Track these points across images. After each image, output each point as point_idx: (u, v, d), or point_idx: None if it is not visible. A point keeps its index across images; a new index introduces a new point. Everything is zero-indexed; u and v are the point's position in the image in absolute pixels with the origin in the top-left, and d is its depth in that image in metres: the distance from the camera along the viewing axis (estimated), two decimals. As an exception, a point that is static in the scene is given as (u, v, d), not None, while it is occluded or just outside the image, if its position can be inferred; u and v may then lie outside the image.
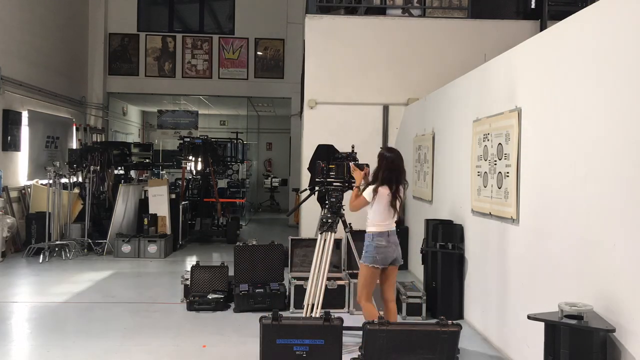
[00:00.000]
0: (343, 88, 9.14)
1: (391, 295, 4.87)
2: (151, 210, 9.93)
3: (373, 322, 3.90)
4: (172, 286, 7.34)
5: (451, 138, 6.66)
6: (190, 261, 8.99)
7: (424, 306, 6.02)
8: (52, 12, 12.17)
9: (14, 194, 10.08)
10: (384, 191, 4.64)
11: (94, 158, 10.25)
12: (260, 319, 3.99)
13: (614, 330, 3.19)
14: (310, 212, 8.25)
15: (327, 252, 5.07)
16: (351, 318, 5.85)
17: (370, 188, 4.66)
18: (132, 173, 13.15)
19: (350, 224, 5.40)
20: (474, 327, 5.64)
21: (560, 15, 6.55)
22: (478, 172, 5.58)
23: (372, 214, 4.70)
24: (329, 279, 5.63)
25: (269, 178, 18.28)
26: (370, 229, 4.71)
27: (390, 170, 4.67)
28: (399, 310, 6.03)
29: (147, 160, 13.14)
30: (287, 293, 6.35)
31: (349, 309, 6.19)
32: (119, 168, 11.88)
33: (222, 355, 4.92)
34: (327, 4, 9.49)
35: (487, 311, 5.31)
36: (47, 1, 11.89)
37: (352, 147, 5.30)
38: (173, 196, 10.52)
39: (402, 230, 8.41)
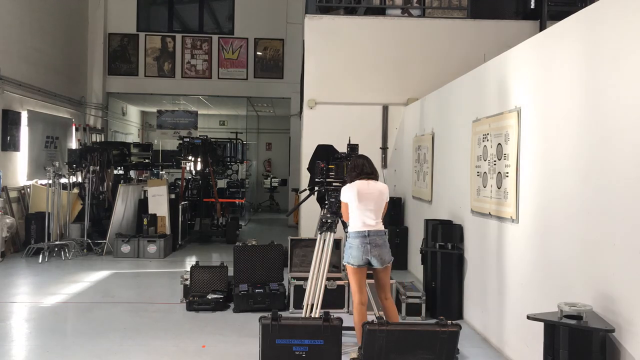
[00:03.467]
0: (342, 88, 9.14)
1: (385, 294, 4.88)
2: (150, 211, 9.93)
3: (372, 322, 3.90)
4: (171, 286, 7.34)
5: (451, 138, 6.66)
6: (190, 261, 8.99)
7: (423, 306, 6.03)
8: (52, 12, 12.16)
9: (13, 194, 10.07)
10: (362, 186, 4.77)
11: (93, 158, 10.25)
12: (260, 319, 3.99)
13: (613, 331, 3.19)
14: (310, 212, 8.25)
15: (326, 252, 5.07)
16: (350, 318, 5.84)
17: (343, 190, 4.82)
18: (132, 173, 13.15)
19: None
20: (474, 327, 5.64)
21: (559, 15, 6.55)
22: (477, 172, 5.59)
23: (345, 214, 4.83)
24: (328, 279, 5.64)
25: (269, 178, 18.28)
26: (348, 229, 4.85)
27: (352, 169, 4.86)
28: (399, 311, 6.04)
29: (147, 161, 13.13)
30: (287, 293, 6.35)
31: (348, 309, 6.18)
32: (119, 168, 11.87)
33: (221, 355, 4.92)
34: (327, 4, 9.49)
35: (487, 311, 5.31)
36: (46, 1, 11.88)
37: (349, 140, 5.31)
38: (172, 196, 10.52)
39: (401, 230, 8.43)
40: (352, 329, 5.06)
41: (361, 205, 4.68)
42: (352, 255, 4.67)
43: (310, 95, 9.16)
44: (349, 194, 4.73)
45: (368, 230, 4.65)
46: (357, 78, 9.13)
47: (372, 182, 4.77)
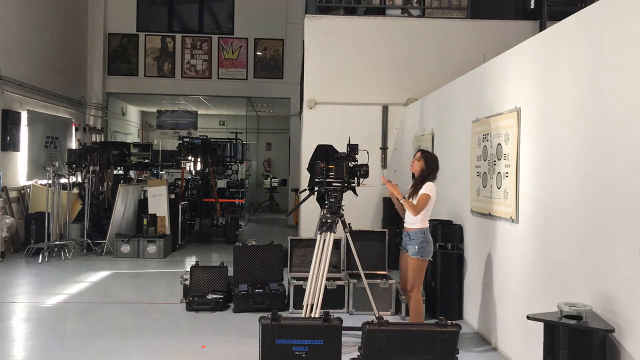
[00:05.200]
0: (342, 88, 9.14)
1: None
2: (150, 211, 9.93)
3: (372, 322, 3.90)
4: (171, 286, 7.34)
5: (450, 138, 6.66)
6: (190, 261, 8.99)
7: (423, 306, 6.01)
8: (52, 12, 12.16)
9: (13, 194, 10.07)
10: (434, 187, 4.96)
11: (93, 158, 10.24)
12: (260, 319, 3.98)
13: (613, 331, 3.19)
14: (310, 212, 8.25)
15: (326, 252, 5.07)
16: (350, 318, 5.86)
17: (431, 185, 4.90)
18: (132, 173, 13.15)
19: (349, 224, 5.40)
20: (474, 327, 5.64)
21: (559, 15, 6.55)
22: (477, 172, 5.59)
23: (424, 210, 4.93)
24: (328, 279, 5.63)
25: (269, 178, 18.29)
26: (420, 225, 4.95)
27: (437, 169, 5.04)
28: (399, 311, 6.05)
29: (147, 161, 13.14)
30: (287, 293, 6.35)
31: (348, 309, 6.19)
32: (118, 168, 11.87)
33: (221, 355, 4.92)
34: (327, 4, 9.49)
35: (487, 311, 5.31)
36: (46, 1, 11.88)
37: (349, 140, 5.32)
38: (172, 196, 10.52)
39: (401, 231, 8.40)
40: (351, 329, 5.06)
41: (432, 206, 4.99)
42: (430, 251, 4.98)
43: (310, 95, 9.15)
44: (435, 190, 4.94)
45: None
46: (357, 78, 9.13)
47: None
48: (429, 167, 4.98)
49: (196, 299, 6.26)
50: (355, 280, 6.14)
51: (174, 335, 5.42)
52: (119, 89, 14.95)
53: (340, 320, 4.01)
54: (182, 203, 10.70)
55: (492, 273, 5.18)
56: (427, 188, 4.90)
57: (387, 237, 6.89)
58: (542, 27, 8.69)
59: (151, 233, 9.65)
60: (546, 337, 3.39)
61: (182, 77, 14.87)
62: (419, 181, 4.99)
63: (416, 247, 4.93)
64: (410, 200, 4.95)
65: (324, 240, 5.12)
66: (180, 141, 12.37)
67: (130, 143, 13.67)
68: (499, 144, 5.02)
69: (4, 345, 5.08)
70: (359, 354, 3.94)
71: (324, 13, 9.43)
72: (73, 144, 12.94)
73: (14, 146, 10.25)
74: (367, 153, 5.24)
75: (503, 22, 9.12)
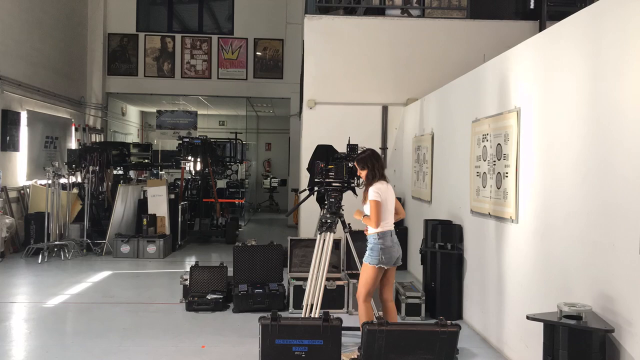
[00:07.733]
0: (342, 88, 9.14)
1: (390, 295, 4.88)
2: (150, 211, 9.93)
3: (372, 323, 3.90)
4: (171, 286, 7.34)
5: (450, 138, 6.66)
6: (190, 261, 8.99)
7: (423, 306, 6.03)
8: (51, 12, 12.15)
9: (13, 194, 10.07)
10: (387, 187, 4.67)
11: (92, 158, 10.25)
12: (260, 319, 3.99)
13: (612, 331, 3.19)
14: (310, 212, 8.25)
15: (326, 252, 5.07)
16: (350, 318, 5.86)
17: (374, 188, 4.63)
18: (131, 173, 13.14)
19: (349, 224, 5.41)
20: (473, 328, 5.65)
21: (559, 15, 6.56)
22: (477, 172, 5.59)
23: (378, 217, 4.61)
24: (328, 279, 5.64)
25: (268, 178, 18.29)
26: (374, 229, 4.63)
27: (382, 167, 4.74)
28: (398, 311, 6.04)
29: (146, 161, 13.14)
30: (286, 293, 6.35)
31: (348, 309, 6.19)
32: (118, 168, 11.87)
33: (221, 355, 4.92)
34: (326, 4, 9.50)
35: (486, 311, 5.31)
36: (46, 1, 11.88)
37: (349, 140, 5.31)
38: (172, 196, 10.52)
39: (401, 231, 8.42)
40: (351, 329, 5.06)
41: (389, 204, 4.67)
42: (387, 256, 4.58)
43: (310, 96, 9.16)
44: (382, 192, 4.60)
45: (392, 230, 4.68)
46: (357, 78, 9.13)
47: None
48: (368, 168, 4.68)
49: (196, 299, 6.26)
50: (355, 280, 6.13)
51: (173, 335, 5.42)
52: (118, 89, 14.94)
53: (340, 320, 4.01)
54: (182, 203, 10.69)
55: (492, 273, 5.18)
56: (372, 193, 4.60)
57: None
58: (541, 27, 8.70)
59: (151, 233, 9.65)
60: (546, 337, 3.39)
61: (181, 77, 14.86)
62: (366, 189, 4.71)
63: (367, 251, 4.67)
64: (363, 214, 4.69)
65: (324, 240, 5.12)
66: (180, 141, 12.35)
67: (130, 143, 13.67)
68: (499, 144, 5.02)
69: (4, 345, 5.08)
70: (358, 354, 3.94)
71: (323, 13, 9.43)
72: (73, 144, 12.93)
73: (13, 146, 10.24)
74: None
75: (503, 22, 9.13)
